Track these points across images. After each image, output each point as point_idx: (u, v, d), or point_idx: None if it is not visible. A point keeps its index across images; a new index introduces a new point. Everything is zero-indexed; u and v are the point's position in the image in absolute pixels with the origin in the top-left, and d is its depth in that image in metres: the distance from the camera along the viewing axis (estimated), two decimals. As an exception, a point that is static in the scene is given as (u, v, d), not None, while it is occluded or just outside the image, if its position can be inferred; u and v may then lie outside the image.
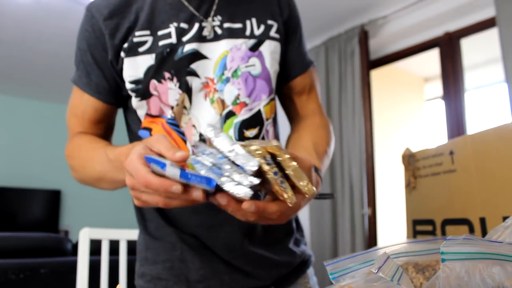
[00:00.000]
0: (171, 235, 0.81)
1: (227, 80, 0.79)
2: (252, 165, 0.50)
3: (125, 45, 0.76)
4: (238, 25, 0.81)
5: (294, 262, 0.87)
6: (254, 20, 0.82)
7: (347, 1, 2.95)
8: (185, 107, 0.78)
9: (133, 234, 1.38)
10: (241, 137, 0.79)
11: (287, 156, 0.53)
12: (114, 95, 0.81)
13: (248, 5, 0.83)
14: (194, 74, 0.77)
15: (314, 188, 0.55)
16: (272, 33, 0.83)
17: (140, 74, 0.76)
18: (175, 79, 0.76)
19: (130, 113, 0.83)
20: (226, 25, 0.80)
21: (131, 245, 1.42)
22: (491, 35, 2.58)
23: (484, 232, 0.74)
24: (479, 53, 3.46)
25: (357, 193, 2.94)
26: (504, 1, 2.35)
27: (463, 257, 0.34)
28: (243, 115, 0.80)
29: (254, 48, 0.81)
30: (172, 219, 0.82)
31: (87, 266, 1.26)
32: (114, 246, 1.38)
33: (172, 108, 0.77)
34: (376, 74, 3.26)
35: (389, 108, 3.73)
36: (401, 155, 0.98)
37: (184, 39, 0.77)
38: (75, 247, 2.24)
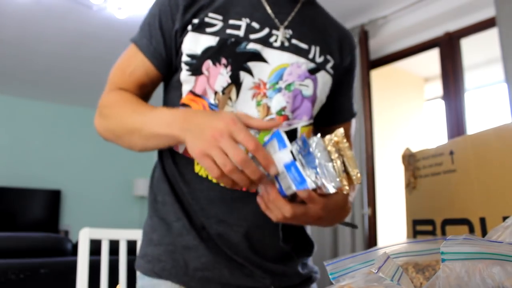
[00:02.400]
0: (180, 220, 0.81)
1: (279, 90, 0.81)
2: (334, 185, 0.63)
3: (195, 21, 0.80)
4: (305, 46, 0.85)
5: (299, 276, 0.87)
6: (318, 48, 0.86)
7: (347, 1, 2.95)
8: (230, 98, 0.79)
9: (133, 234, 1.38)
10: None
11: (347, 145, 0.63)
12: (166, 64, 0.83)
13: (318, 32, 0.88)
14: (248, 71, 0.80)
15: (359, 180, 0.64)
16: (328, 67, 0.88)
17: (198, 51, 0.79)
18: (229, 68, 0.79)
19: (172, 89, 0.85)
20: (294, 41, 0.84)
21: (131, 245, 1.43)
22: (491, 35, 2.58)
23: (484, 232, 0.74)
24: (479, 53, 3.46)
25: (357, 193, 2.94)
26: (504, 1, 2.35)
27: (463, 257, 0.34)
28: (282, 127, 0.81)
29: (312, 72, 0.85)
30: (186, 206, 0.82)
31: (87, 266, 1.26)
32: (114, 246, 1.38)
33: (215, 93, 0.79)
34: (376, 74, 3.26)
35: (389, 108, 3.73)
36: (401, 155, 0.98)
37: (251, 37, 0.80)
38: (75, 247, 2.24)
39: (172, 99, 0.85)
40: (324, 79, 0.86)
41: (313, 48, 0.86)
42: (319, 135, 0.67)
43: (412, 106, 4.09)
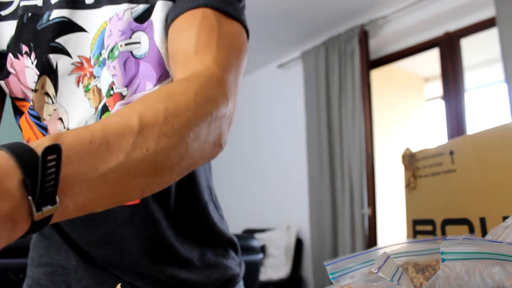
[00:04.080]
0: (57, 234, 0.66)
1: (104, 62, 0.58)
2: None
3: None
4: None
5: (206, 283, 0.67)
6: None
7: (347, 1, 2.95)
8: (47, 94, 0.59)
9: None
10: None
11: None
12: None
13: None
14: (61, 51, 0.58)
15: None
16: None
17: (3, 46, 0.58)
18: (33, 55, 0.57)
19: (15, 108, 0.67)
20: None
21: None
22: (491, 35, 2.58)
23: (484, 232, 0.74)
24: (479, 53, 3.46)
25: (357, 193, 2.94)
26: (504, 1, 2.35)
27: (463, 257, 0.34)
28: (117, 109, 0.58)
29: (141, 18, 0.58)
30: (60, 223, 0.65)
31: (87, 266, 1.26)
32: (114, 246, 1.37)
33: (33, 92, 0.59)
34: (376, 74, 3.26)
35: (389, 108, 3.73)
36: (401, 155, 0.98)
37: (53, 1, 0.58)
38: (75, 247, 2.24)
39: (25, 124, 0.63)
40: (164, 13, 0.58)
41: None
42: None
43: (412, 106, 4.09)
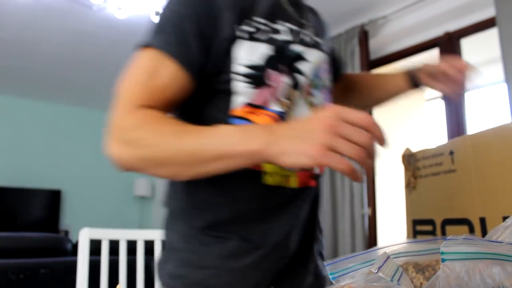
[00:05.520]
0: (231, 239, 0.75)
1: (317, 87, 0.82)
2: None
3: (247, 28, 0.73)
4: (319, 40, 0.86)
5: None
6: (320, 38, 0.89)
7: (347, 1, 2.95)
8: (292, 103, 0.77)
9: (133, 234, 1.38)
10: None
11: None
12: (201, 74, 0.72)
13: (316, 23, 0.91)
14: (300, 73, 0.78)
15: None
16: (325, 49, 0.89)
17: (258, 61, 0.73)
18: (287, 73, 0.76)
19: (213, 99, 0.75)
20: (315, 37, 0.85)
21: (131, 245, 1.43)
22: (491, 35, 2.57)
23: (484, 232, 0.74)
24: (479, 53, 3.46)
25: (357, 193, 2.94)
26: (504, 1, 2.35)
27: (463, 257, 0.34)
28: None
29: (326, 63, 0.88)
30: (239, 218, 0.76)
31: (87, 266, 1.26)
32: (114, 246, 1.38)
33: (279, 101, 0.75)
34: (376, 74, 3.26)
35: (389, 108, 3.73)
36: (401, 155, 0.98)
37: (296, 39, 0.79)
38: (75, 247, 2.24)
39: (214, 109, 0.75)
40: (328, 62, 0.90)
41: (321, 40, 0.88)
42: None
43: (412, 106, 4.09)
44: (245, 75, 0.72)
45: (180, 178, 0.70)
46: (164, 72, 0.69)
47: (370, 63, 3.10)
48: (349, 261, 0.45)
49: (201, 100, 0.76)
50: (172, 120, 0.68)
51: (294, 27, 0.80)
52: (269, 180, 0.74)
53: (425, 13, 2.83)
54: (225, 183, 0.74)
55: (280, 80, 0.75)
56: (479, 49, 3.34)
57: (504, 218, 0.68)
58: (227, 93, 0.73)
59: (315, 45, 0.83)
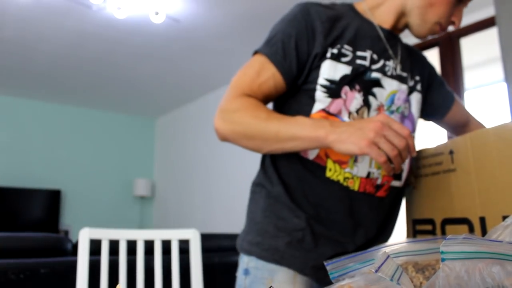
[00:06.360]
0: (299, 217, 0.91)
1: (392, 112, 0.96)
2: None
3: (333, 50, 0.91)
4: (405, 74, 1.00)
5: None
6: (410, 74, 1.02)
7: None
8: (362, 118, 0.91)
9: (133, 234, 1.38)
10: None
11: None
12: (293, 82, 0.93)
13: (410, 61, 1.04)
14: (374, 95, 0.93)
15: None
16: (419, 87, 1.04)
17: (336, 77, 0.90)
18: (361, 93, 0.91)
19: (302, 100, 0.93)
20: (398, 71, 0.99)
21: (131, 245, 1.43)
22: (491, 35, 2.58)
23: (484, 232, 0.74)
24: (479, 52, 3.46)
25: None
26: (504, 1, 2.35)
27: (463, 257, 0.34)
28: None
29: (408, 95, 1.01)
30: (305, 205, 0.92)
31: (87, 266, 1.26)
32: (114, 246, 1.38)
33: (349, 113, 0.90)
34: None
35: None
36: (401, 154, 0.97)
37: (373, 67, 0.94)
38: (75, 247, 2.24)
39: (300, 107, 0.93)
40: (417, 99, 1.02)
41: (409, 75, 1.01)
42: None
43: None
44: (323, 86, 0.90)
45: (261, 151, 0.91)
46: (265, 73, 0.91)
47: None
48: (349, 261, 0.45)
49: (291, 98, 0.95)
50: (264, 108, 0.89)
51: (377, 57, 0.95)
52: (328, 174, 0.90)
53: (425, 12, 2.82)
54: (299, 171, 0.92)
55: (352, 96, 0.90)
56: (478, 49, 3.34)
57: (504, 218, 0.68)
58: (311, 98, 0.91)
59: (396, 77, 0.97)
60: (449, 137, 2.72)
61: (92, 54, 3.86)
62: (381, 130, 0.75)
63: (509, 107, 2.27)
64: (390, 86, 0.96)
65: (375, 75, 0.94)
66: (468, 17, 2.71)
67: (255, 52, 0.95)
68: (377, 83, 0.94)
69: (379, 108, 0.94)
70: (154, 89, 4.85)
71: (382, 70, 0.95)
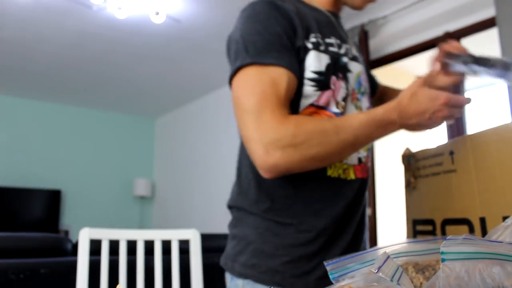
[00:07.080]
0: (301, 226, 0.87)
1: (363, 94, 0.96)
2: None
3: (313, 40, 0.88)
4: (356, 54, 1.00)
5: None
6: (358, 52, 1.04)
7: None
8: (345, 106, 0.91)
9: (133, 234, 1.38)
10: None
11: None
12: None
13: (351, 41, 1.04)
14: (348, 81, 0.92)
15: None
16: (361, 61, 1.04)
17: (322, 68, 0.87)
18: (344, 80, 0.90)
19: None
20: (354, 52, 0.99)
21: (131, 245, 1.43)
22: (491, 35, 2.57)
23: (484, 232, 0.74)
24: (479, 53, 3.45)
25: (357, 193, 2.94)
26: (504, 1, 2.35)
27: (463, 257, 0.34)
28: None
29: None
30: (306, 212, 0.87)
31: (87, 266, 1.26)
32: (114, 246, 1.38)
33: (337, 103, 0.89)
34: (376, 74, 3.25)
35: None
36: (401, 155, 0.98)
37: (341, 52, 0.93)
38: (75, 247, 2.24)
39: None
40: (364, 72, 1.02)
41: (357, 53, 1.01)
42: None
43: (412, 106, 4.08)
44: (311, 79, 0.86)
45: (325, 165, 0.85)
46: (284, 82, 0.82)
47: (370, 63, 3.10)
48: (349, 261, 0.45)
49: None
50: (320, 119, 0.83)
51: (339, 42, 0.94)
52: (330, 172, 0.88)
53: (425, 13, 2.83)
54: (294, 177, 0.85)
55: (339, 85, 0.89)
56: (479, 49, 3.33)
57: (504, 218, 0.68)
58: (297, 95, 0.86)
59: (354, 58, 0.96)
60: (449, 138, 2.72)
61: (92, 54, 3.86)
62: (448, 114, 0.77)
63: (509, 107, 2.27)
64: (356, 68, 0.95)
65: (344, 60, 0.93)
66: (469, 18, 2.71)
67: (242, 66, 0.83)
68: (346, 68, 0.93)
69: (353, 92, 0.93)
70: (154, 89, 4.85)
71: (346, 54, 0.94)
